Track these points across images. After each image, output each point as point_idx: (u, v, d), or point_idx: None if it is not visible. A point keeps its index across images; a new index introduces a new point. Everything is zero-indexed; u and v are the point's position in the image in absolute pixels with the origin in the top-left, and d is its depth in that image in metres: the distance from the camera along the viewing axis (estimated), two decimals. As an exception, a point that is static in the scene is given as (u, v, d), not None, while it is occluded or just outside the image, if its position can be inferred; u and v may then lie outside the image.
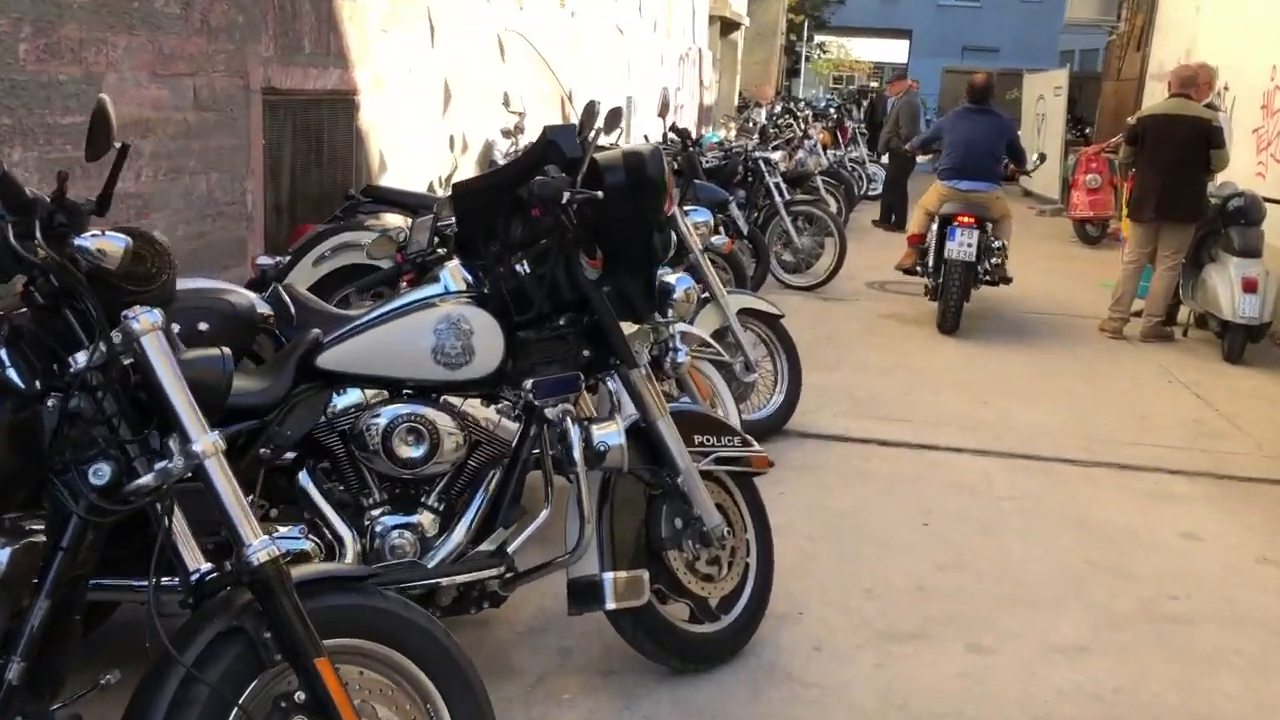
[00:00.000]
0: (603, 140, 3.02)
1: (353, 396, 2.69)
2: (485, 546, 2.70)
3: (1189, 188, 7.65)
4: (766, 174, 9.14)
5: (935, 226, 7.94)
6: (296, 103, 5.72)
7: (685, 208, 5.24)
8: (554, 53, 10.02)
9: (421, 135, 7.28)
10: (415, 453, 2.62)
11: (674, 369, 3.12)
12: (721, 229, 7.68)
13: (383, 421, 2.63)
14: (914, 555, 4.00)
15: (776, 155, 9.29)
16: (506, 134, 7.44)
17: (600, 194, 2.64)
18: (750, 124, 18.24)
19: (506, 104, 7.62)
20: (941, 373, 6.67)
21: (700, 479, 2.94)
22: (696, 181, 7.06)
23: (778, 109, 18.61)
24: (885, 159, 14.62)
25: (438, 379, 2.67)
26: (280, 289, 2.93)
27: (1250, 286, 7.01)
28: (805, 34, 35.14)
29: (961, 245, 7.58)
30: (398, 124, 6.91)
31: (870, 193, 15.67)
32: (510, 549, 2.71)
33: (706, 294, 5.05)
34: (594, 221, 2.75)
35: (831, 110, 20.03)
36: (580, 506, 2.74)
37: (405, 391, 2.70)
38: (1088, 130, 20.69)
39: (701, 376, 4.38)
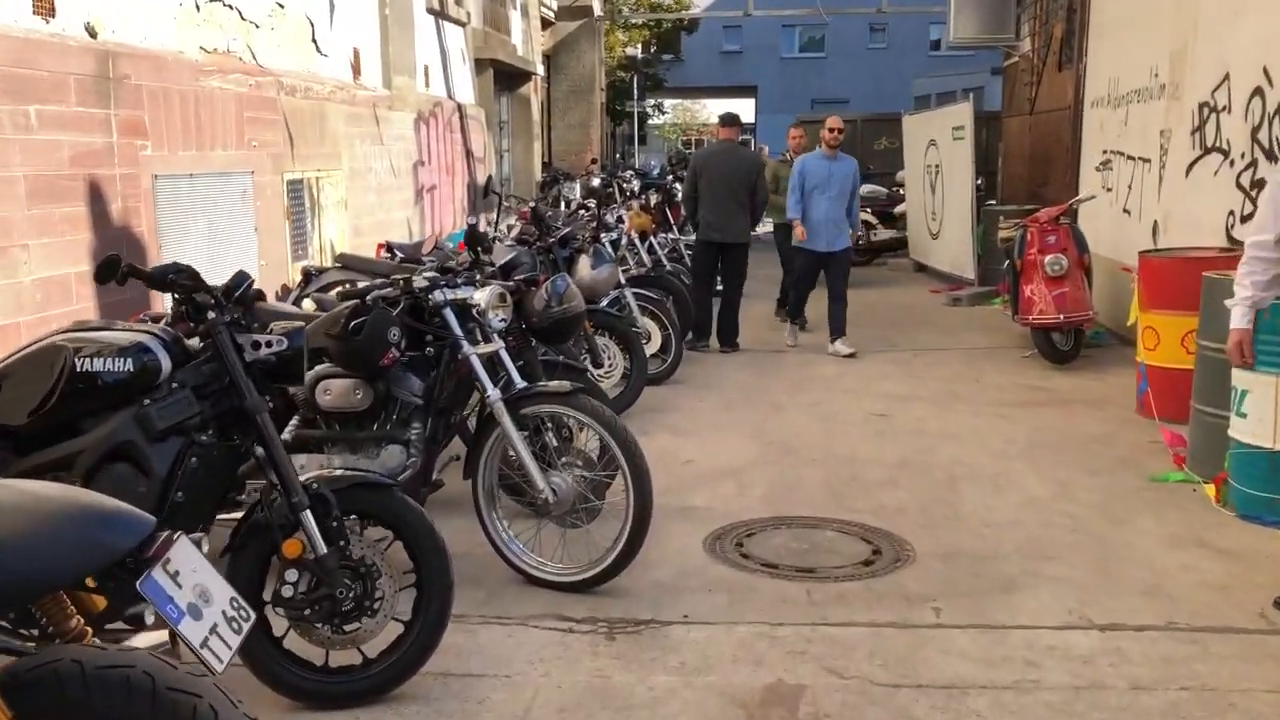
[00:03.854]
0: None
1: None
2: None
3: None
4: (463, 344, 4.02)
5: None
6: None
7: None
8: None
9: None
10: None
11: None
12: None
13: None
14: None
15: (482, 295, 4.14)
16: None
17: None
18: (565, 203, 13.37)
19: None
20: None
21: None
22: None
23: (595, 182, 13.91)
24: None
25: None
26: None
27: None
28: (637, 93, 30.68)
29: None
30: None
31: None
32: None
33: None
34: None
35: (668, 180, 15.10)
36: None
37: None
38: (979, 182, 16.43)
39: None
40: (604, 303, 7.15)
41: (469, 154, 11.98)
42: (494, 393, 3.99)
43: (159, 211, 5.77)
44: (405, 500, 3.27)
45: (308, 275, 7.04)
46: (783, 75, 46.38)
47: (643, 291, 7.91)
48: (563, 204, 13.52)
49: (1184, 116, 7.84)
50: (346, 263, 7.10)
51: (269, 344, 3.16)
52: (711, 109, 48.83)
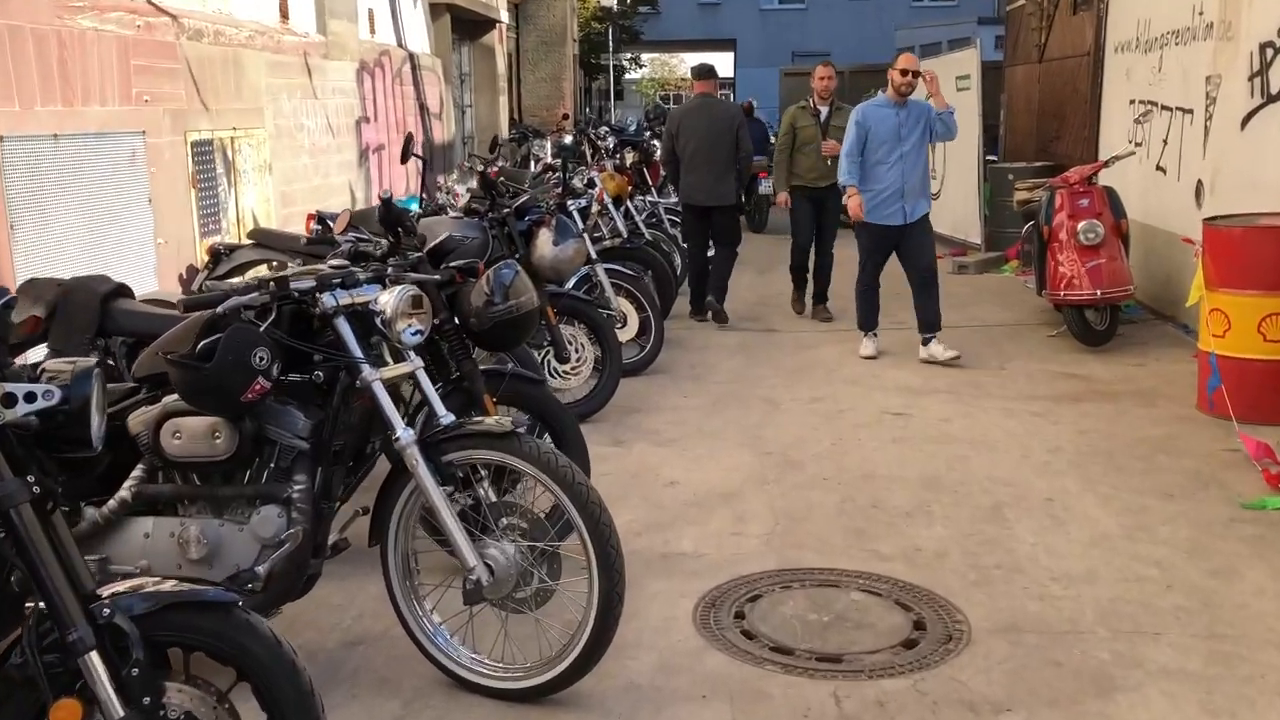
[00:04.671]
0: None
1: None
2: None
3: None
4: (363, 367, 2.92)
5: None
6: None
7: None
8: None
9: None
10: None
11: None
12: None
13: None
14: None
15: (388, 299, 3.03)
16: None
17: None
18: (534, 162, 12.22)
19: None
20: None
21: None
22: None
23: (567, 139, 12.86)
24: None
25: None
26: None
27: None
28: (611, 45, 29.29)
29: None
30: None
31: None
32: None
33: None
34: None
35: (646, 136, 13.87)
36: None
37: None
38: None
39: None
40: (570, 284, 6.08)
41: (423, 109, 10.77)
42: (405, 434, 2.91)
43: (8, 182, 4.62)
44: (253, 625, 2.18)
45: (216, 255, 5.93)
46: (763, 27, 45.05)
47: (616, 267, 6.82)
48: (533, 163, 12.39)
49: (1239, 60, 6.76)
50: (261, 239, 5.98)
51: (30, 397, 2.05)
52: (689, 63, 47.48)
